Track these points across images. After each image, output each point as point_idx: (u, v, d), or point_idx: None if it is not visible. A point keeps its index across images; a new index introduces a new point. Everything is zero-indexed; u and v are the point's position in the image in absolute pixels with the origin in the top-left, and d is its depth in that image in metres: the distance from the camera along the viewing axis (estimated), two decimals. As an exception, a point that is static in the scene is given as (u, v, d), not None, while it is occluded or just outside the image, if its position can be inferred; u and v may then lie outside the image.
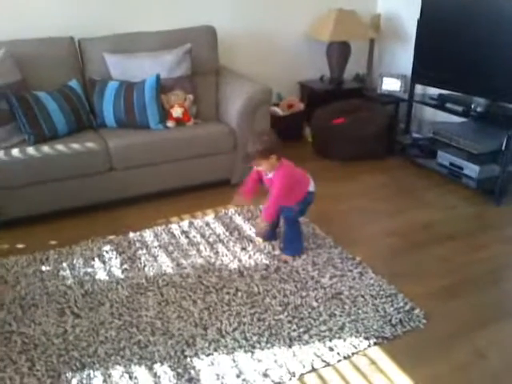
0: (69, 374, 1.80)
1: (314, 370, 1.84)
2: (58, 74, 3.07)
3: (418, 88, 3.65)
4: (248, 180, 2.50)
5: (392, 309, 2.13)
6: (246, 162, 2.39)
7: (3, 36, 2.97)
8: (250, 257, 2.50)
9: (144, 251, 2.56)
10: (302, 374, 1.82)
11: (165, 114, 3.08)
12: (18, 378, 1.79)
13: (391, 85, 3.97)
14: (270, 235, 2.63)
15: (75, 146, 2.80)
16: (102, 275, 2.37)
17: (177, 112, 3.09)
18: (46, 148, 2.75)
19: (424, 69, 3.44)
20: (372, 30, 4.06)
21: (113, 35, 3.22)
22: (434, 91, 3.54)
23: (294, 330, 2.01)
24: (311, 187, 2.45)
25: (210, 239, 2.67)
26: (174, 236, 2.70)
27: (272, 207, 2.37)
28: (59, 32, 3.13)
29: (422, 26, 3.40)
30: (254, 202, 2.86)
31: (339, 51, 3.99)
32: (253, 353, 1.90)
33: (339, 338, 1.97)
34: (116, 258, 2.50)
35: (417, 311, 2.11)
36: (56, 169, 2.73)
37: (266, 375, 1.80)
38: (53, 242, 2.64)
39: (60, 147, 2.77)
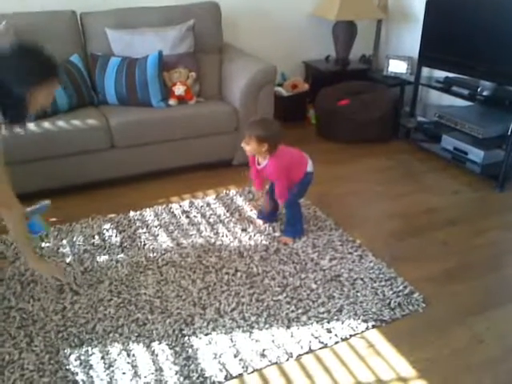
0: (67, 350, 1.82)
1: (311, 351, 1.85)
2: (59, 48, 2.99)
3: (425, 71, 3.59)
4: (252, 175, 2.49)
5: (391, 292, 2.12)
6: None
7: (4, 9, 2.92)
8: (250, 238, 2.49)
9: (144, 230, 2.55)
10: (300, 355, 1.83)
11: (167, 92, 3.04)
12: (16, 353, 1.80)
13: (397, 67, 3.91)
14: (270, 217, 2.62)
15: (76, 122, 2.77)
16: (101, 253, 2.36)
17: (179, 90, 3.05)
18: (46, 124, 2.72)
19: (431, 51, 3.38)
20: (379, 11, 3.98)
21: (115, 10, 3.17)
22: (440, 74, 3.49)
23: (293, 311, 2.02)
24: (309, 167, 2.41)
25: (211, 219, 2.66)
26: (174, 215, 2.69)
27: (280, 190, 2.38)
28: (61, 6, 3.08)
29: (430, 7, 3.32)
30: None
31: (345, 31, 3.92)
32: (251, 333, 1.91)
33: (337, 320, 1.98)
34: (116, 236, 2.50)
35: (416, 295, 2.10)
36: (56, 145, 2.71)
37: (263, 355, 1.81)
38: (53, 219, 2.64)
39: (61, 123, 2.74)
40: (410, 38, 3.89)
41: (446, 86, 3.38)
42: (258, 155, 2.33)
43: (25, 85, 1.76)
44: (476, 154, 3.15)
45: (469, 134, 3.13)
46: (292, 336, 1.90)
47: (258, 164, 2.38)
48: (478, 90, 3.15)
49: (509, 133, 2.89)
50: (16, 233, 2.00)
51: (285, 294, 2.11)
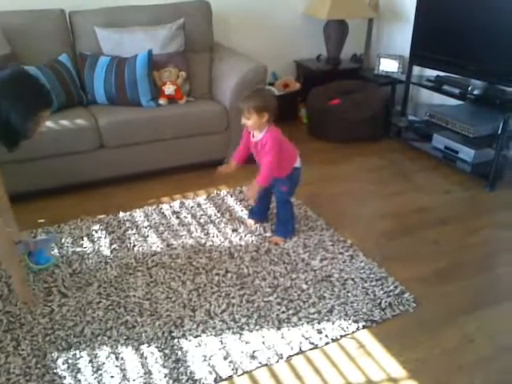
0: (54, 354, 1.79)
1: (301, 352, 1.84)
2: (47, 47, 2.99)
3: (416, 69, 3.59)
4: (238, 147, 2.43)
5: (382, 292, 2.12)
6: (239, 111, 2.27)
7: (-9, 7, 2.89)
8: (240, 238, 2.48)
9: (134, 231, 2.53)
10: (290, 356, 1.82)
11: (157, 91, 3.02)
12: (3, 356, 1.78)
13: (388, 66, 3.90)
14: (261, 217, 2.61)
15: (65, 122, 2.74)
16: (90, 255, 2.34)
17: (169, 89, 3.03)
18: (34, 124, 2.69)
19: (422, 50, 3.38)
20: (370, 10, 3.98)
21: (104, 8, 3.14)
22: (431, 73, 3.49)
23: (283, 312, 2.00)
24: (298, 163, 2.38)
25: (201, 220, 2.64)
26: (164, 216, 2.67)
27: (267, 170, 2.25)
28: (50, 4, 3.05)
29: (420, 6, 3.32)
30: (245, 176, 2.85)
31: (337, 30, 3.91)
32: (241, 334, 1.90)
33: (328, 320, 1.97)
34: (105, 237, 2.47)
35: (407, 295, 2.10)
36: (45, 145, 2.67)
37: (253, 357, 1.80)
38: (41, 221, 2.61)
39: (49, 124, 2.70)
40: (401, 37, 3.89)
41: (436, 85, 3.38)
42: (258, 128, 2.25)
43: (25, 118, 1.79)
44: (466, 153, 3.15)
45: (459, 133, 3.13)
46: (282, 337, 1.89)
47: (253, 137, 2.32)
48: (469, 88, 3.15)
49: (499, 132, 2.90)
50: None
51: (275, 295, 2.10)
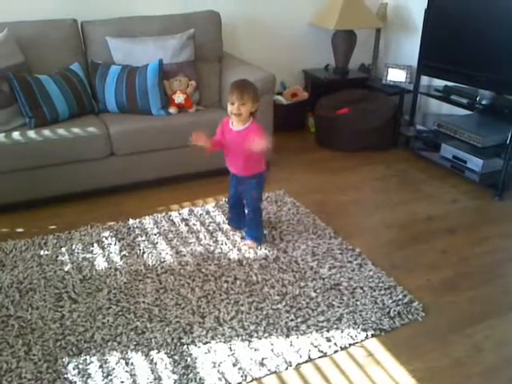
0: (65, 359, 1.81)
1: (310, 360, 1.84)
2: (60, 56, 3.04)
3: (424, 79, 3.61)
4: (216, 138, 2.38)
5: (390, 301, 2.12)
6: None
7: (6, 17, 2.94)
8: (249, 246, 2.49)
9: (143, 238, 2.55)
10: (299, 364, 1.82)
11: (167, 100, 3.05)
12: (14, 361, 1.79)
13: (396, 75, 3.93)
14: (239, 224, 2.60)
15: (76, 130, 2.78)
16: (100, 261, 2.36)
17: (179, 98, 3.06)
18: (46, 132, 2.73)
19: (430, 60, 3.40)
20: (378, 20, 4.01)
21: (116, 18, 3.19)
22: (439, 83, 3.50)
23: (292, 320, 2.01)
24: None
25: (210, 227, 2.65)
26: (173, 223, 2.69)
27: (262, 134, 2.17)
28: (62, 14, 3.10)
29: (429, 16, 3.35)
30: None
31: (345, 40, 3.94)
32: (250, 341, 1.90)
33: (337, 328, 1.97)
34: (115, 244, 2.49)
35: (415, 304, 2.10)
36: (56, 153, 2.71)
37: (262, 364, 1.80)
38: (52, 227, 2.64)
39: (61, 131, 2.75)
40: (409, 47, 3.92)
41: (444, 95, 3.39)
42: (244, 118, 2.23)
43: None
44: (475, 163, 3.15)
45: (468, 143, 3.14)
46: (291, 345, 1.89)
47: (232, 125, 2.29)
48: (477, 98, 3.16)
49: (507, 142, 2.90)
50: None
51: (284, 303, 2.10)
